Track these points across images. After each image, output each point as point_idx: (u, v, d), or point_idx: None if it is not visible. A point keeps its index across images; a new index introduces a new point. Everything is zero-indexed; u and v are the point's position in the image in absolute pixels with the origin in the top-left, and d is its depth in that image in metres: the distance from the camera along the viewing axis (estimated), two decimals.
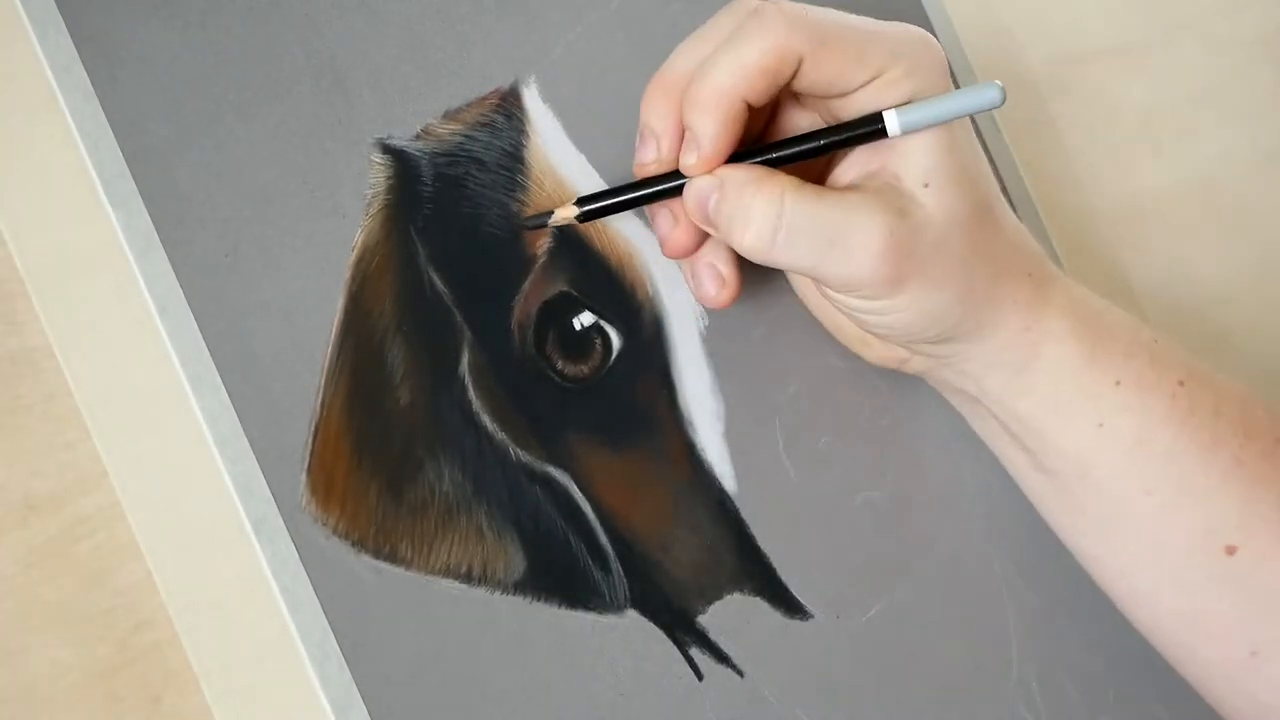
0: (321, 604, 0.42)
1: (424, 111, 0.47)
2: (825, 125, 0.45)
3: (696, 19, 0.50)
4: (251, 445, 0.42)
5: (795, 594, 0.49)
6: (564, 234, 0.48)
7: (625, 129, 0.49)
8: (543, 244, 0.47)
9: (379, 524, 0.43)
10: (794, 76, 0.42)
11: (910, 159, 0.43)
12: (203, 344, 0.42)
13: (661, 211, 0.45)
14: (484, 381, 0.46)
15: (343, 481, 0.43)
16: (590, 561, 0.46)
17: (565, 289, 0.47)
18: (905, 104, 0.42)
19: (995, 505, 0.53)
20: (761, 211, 0.42)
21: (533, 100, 0.48)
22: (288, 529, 0.42)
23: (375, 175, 0.46)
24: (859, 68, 0.42)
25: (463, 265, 0.46)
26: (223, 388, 0.42)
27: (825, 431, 0.50)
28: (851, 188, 0.44)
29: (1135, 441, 0.45)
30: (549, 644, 0.45)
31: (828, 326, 0.49)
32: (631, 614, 0.46)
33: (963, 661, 0.51)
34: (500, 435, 0.46)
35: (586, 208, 0.45)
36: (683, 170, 0.44)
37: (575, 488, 0.46)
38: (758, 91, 0.42)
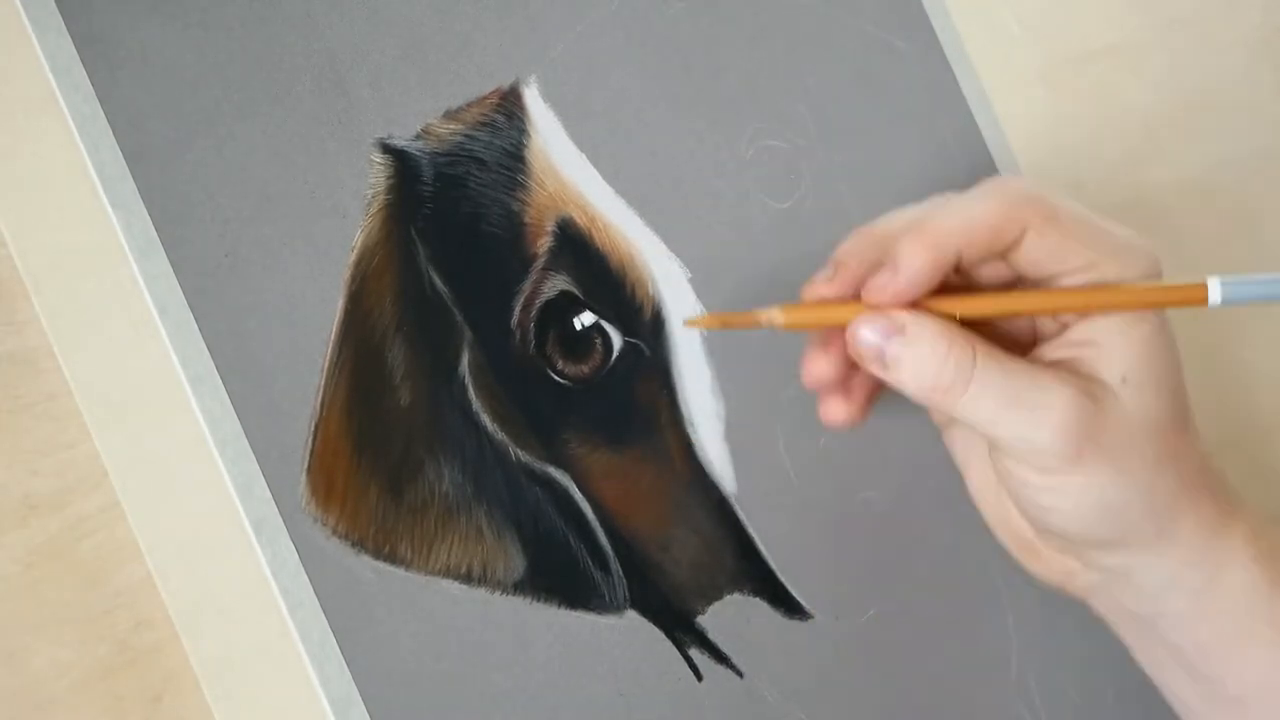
0: (321, 604, 0.42)
1: (424, 111, 0.47)
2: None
3: (696, 19, 0.50)
4: (251, 446, 0.42)
5: (795, 594, 0.49)
6: (565, 233, 0.48)
7: (626, 129, 0.49)
8: (543, 243, 0.47)
9: (379, 524, 0.43)
10: (1009, 251, 0.42)
11: (1110, 354, 0.42)
12: (203, 344, 0.42)
13: (815, 345, 0.45)
14: (484, 381, 0.46)
15: (343, 482, 0.43)
16: (590, 562, 0.46)
17: (566, 288, 0.47)
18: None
19: None
20: (956, 360, 0.41)
21: (533, 100, 0.48)
22: (288, 529, 0.42)
23: (375, 175, 0.46)
24: (1080, 251, 0.42)
25: (463, 265, 0.46)
26: (223, 388, 0.42)
27: (825, 431, 0.50)
28: (1047, 366, 0.43)
29: None
30: (549, 644, 0.45)
31: (997, 530, 0.48)
32: (631, 614, 0.46)
33: (962, 661, 0.51)
34: (500, 435, 0.46)
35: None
36: (866, 297, 0.42)
37: (575, 488, 0.46)
38: (976, 247, 0.42)
